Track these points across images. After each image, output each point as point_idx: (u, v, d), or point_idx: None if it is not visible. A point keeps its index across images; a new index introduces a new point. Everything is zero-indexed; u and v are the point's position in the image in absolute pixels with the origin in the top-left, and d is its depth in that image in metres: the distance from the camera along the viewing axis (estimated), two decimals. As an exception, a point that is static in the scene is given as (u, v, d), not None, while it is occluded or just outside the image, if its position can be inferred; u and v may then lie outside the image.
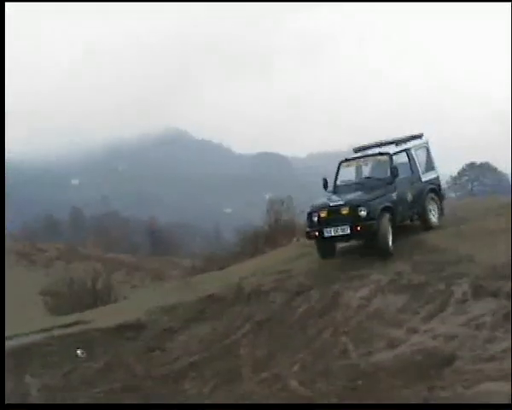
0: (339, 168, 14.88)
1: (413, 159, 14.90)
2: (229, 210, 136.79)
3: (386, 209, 13.59)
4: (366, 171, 14.90)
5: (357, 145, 15.84)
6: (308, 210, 14.15)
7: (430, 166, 15.46)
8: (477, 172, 50.99)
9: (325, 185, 14.86)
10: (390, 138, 15.64)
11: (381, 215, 13.38)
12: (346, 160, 14.93)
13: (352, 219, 13.26)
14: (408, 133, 15.57)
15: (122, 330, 12.58)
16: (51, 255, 53.48)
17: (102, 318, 13.61)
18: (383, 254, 13.28)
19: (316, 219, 13.66)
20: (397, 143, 15.02)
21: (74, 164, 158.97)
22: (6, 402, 9.65)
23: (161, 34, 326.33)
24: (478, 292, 10.39)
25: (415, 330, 10.13)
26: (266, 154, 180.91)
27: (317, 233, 13.62)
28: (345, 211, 13.37)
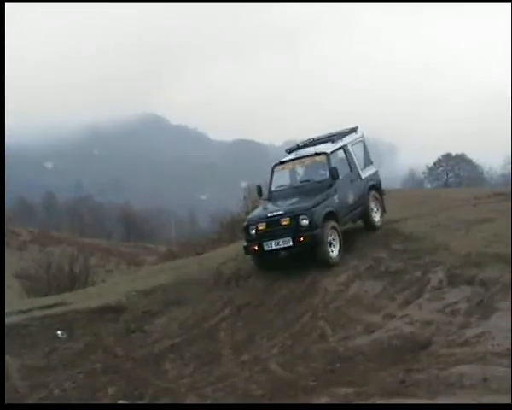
0: (273, 172, 13.91)
1: (350, 155, 14.07)
2: (204, 197, 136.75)
3: (329, 215, 12.82)
4: (302, 173, 13.92)
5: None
6: (244, 222, 13.33)
7: (368, 161, 14.67)
8: (452, 163, 51.62)
9: (259, 192, 14.19)
10: (324, 134, 14.90)
11: (324, 222, 12.64)
12: (281, 162, 14.00)
13: (294, 229, 12.46)
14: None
15: (102, 312, 12.63)
16: (25, 239, 53.21)
17: (82, 300, 13.65)
18: (326, 264, 12.57)
19: (254, 232, 12.78)
20: (332, 140, 14.14)
21: (48, 147, 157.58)
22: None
23: (138, 18, 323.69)
24: (453, 280, 10.66)
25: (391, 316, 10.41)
26: (243, 141, 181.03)
27: (256, 247, 12.72)
28: (285, 222, 12.56)
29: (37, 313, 12.76)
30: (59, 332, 11.95)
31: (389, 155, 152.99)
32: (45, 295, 17.57)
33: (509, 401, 6.23)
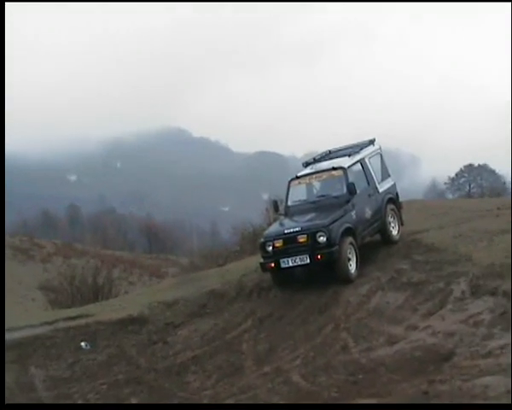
0: (289, 187, 13.68)
1: (368, 169, 13.84)
2: (226, 208, 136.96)
3: (346, 232, 12.60)
4: (319, 188, 13.67)
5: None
6: (261, 239, 13.15)
7: (385, 173, 14.46)
8: (475, 173, 51.27)
9: (276, 208, 14.01)
10: (341, 147, 14.74)
11: (342, 239, 12.42)
12: (297, 177, 13.78)
13: (311, 246, 12.27)
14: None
15: (125, 323, 12.75)
16: (49, 251, 53.64)
17: (105, 312, 13.78)
18: (344, 281, 12.44)
19: (270, 248, 12.60)
20: (349, 153, 13.94)
21: (72, 161, 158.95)
22: (7, 402, 9.74)
23: (161, 32, 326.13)
24: (476, 291, 10.60)
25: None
26: (264, 153, 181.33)
27: (273, 264, 12.55)
28: (302, 239, 12.35)
29: (62, 325, 12.91)
30: (82, 343, 12.07)
31: (411, 166, 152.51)
32: (69, 307, 17.74)
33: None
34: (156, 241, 78.70)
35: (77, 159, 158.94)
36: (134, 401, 10.05)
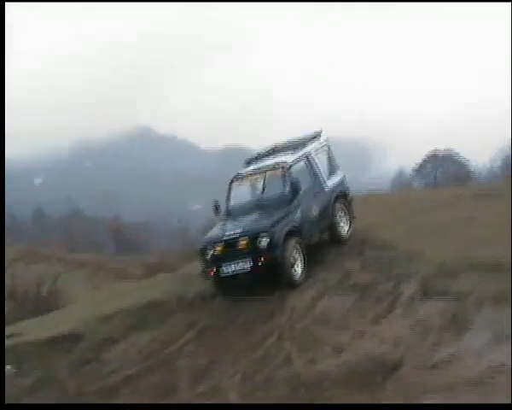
0: (230, 187, 12.86)
1: (314, 164, 12.99)
2: (198, 206, 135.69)
3: (291, 233, 11.74)
4: (262, 187, 12.67)
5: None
6: (200, 245, 12.27)
7: (333, 167, 13.56)
8: (440, 161, 50.86)
9: (216, 209, 12.95)
10: (286, 142, 13.83)
11: (285, 241, 11.54)
12: (238, 176, 12.96)
13: (253, 251, 11.41)
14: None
15: (56, 342, 11.79)
16: (13, 257, 52.22)
17: (37, 329, 12.78)
18: (290, 285, 11.60)
19: (210, 254, 11.78)
20: (294, 148, 13.07)
21: (37, 163, 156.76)
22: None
23: (123, 33, 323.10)
24: (426, 292, 9.89)
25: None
26: (232, 148, 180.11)
27: (213, 271, 11.73)
28: (243, 243, 11.51)
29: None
30: (8, 367, 11.09)
31: (380, 156, 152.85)
32: (8, 323, 16.64)
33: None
34: (125, 242, 77.46)
35: (42, 162, 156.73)
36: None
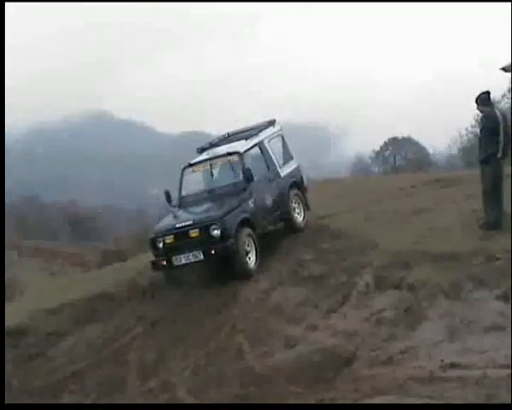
0: (182, 176, 12.60)
1: (267, 152, 12.79)
2: (155, 191, 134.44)
3: (243, 222, 11.53)
4: (215, 175, 12.53)
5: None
6: (151, 235, 11.94)
7: (288, 156, 13.35)
8: (399, 146, 51.02)
9: (168, 198, 12.59)
10: (239, 130, 13.70)
11: (238, 231, 11.34)
12: (190, 164, 12.66)
13: (205, 241, 11.17)
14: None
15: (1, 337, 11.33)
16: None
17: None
18: (244, 276, 11.42)
19: (161, 245, 11.50)
20: (247, 136, 12.83)
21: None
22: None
23: (81, 16, 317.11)
24: (380, 283, 9.71)
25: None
26: (191, 132, 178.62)
27: (164, 262, 11.43)
28: (194, 233, 11.26)
29: None
30: None
31: (340, 140, 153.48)
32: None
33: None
34: (82, 228, 76.25)
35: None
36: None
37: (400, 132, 53.93)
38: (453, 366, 6.64)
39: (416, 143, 52.13)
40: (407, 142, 52.19)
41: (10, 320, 11.79)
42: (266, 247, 12.22)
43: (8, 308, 13.09)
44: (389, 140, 52.53)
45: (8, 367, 10.59)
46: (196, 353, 9.81)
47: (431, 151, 51.75)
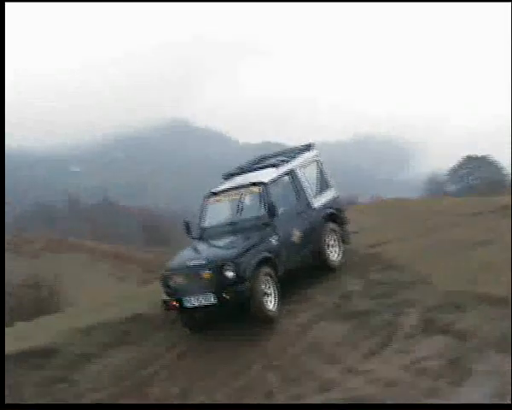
0: (204, 205, 11.40)
1: (298, 181, 11.45)
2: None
3: (263, 262, 10.23)
4: (239, 206, 11.16)
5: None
6: (163, 271, 10.68)
7: (324, 184, 11.98)
8: (475, 164, 49.03)
9: (187, 230, 11.39)
10: (272, 154, 12.62)
11: (255, 273, 10.04)
12: (213, 193, 11.51)
13: (217, 283, 9.91)
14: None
15: (29, 355, 10.88)
16: (38, 246, 51.77)
17: (13, 340, 11.79)
18: (262, 320, 10.22)
19: (172, 284, 10.38)
20: (277, 164, 11.52)
21: (75, 151, 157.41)
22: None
23: (163, 26, 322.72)
24: (427, 326, 8.76)
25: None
26: (270, 143, 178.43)
27: (175, 303, 10.26)
28: (206, 274, 10.03)
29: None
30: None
31: (416, 158, 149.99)
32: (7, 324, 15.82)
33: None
34: (155, 233, 76.81)
35: (80, 150, 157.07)
36: None
37: (481, 150, 51.95)
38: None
39: (493, 163, 50.05)
40: (483, 161, 50.23)
41: (40, 339, 11.35)
42: (312, 275, 11.39)
43: (43, 323, 12.71)
44: (465, 158, 50.74)
45: (31, 391, 10.16)
46: (224, 390, 9.13)
47: (508, 172, 49.58)
